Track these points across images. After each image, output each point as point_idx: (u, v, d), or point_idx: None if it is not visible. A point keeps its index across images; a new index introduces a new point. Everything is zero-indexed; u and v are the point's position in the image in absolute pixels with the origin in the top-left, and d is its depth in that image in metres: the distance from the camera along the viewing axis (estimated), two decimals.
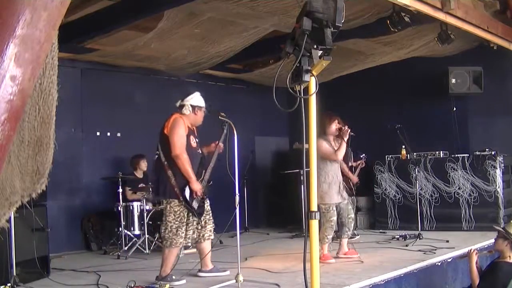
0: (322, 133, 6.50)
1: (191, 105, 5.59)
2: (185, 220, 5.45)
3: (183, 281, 5.43)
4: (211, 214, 5.76)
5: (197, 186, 5.42)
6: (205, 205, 5.68)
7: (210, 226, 5.72)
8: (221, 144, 5.75)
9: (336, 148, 6.54)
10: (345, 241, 6.71)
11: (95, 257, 7.38)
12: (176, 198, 5.40)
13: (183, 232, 5.43)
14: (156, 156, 5.57)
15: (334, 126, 6.61)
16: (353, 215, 6.81)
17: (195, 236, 5.64)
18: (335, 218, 6.49)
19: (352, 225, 6.82)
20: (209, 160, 5.79)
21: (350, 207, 6.75)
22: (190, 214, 5.47)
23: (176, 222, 5.41)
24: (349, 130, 6.56)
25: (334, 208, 6.49)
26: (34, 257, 5.56)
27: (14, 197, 2.07)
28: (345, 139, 6.50)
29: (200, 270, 5.75)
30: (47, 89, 2.10)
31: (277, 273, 5.81)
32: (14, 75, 1.78)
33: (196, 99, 5.67)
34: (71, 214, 8.07)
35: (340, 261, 6.44)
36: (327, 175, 6.49)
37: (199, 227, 5.64)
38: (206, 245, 5.71)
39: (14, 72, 1.78)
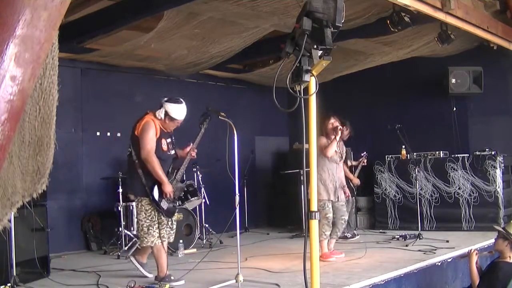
0: (323, 132, 6.71)
1: (165, 111, 5.43)
2: (156, 219, 5.40)
3: (182, 282, 5.42)
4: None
5: (169, 188, 5.38)
6: (176, 207, 5.65)
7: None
8: (193, 151, 5.73)
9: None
10: (333, 241, 6.84)
11: (95, 257, 7.37)
12: (146, 196, 5.38)
13: (154, 231, 5.38)
14: (128, 152, 5.50)
15: (330, 125, 6.77)
16: (346, 217, 6.90)
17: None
18: (331, 215, 6.60)
19: (343, 227, 6.96)
20: (181, 162, 5.75)
21: (344, 209, 6.88)
22: (160, 213, 5.44)
23: (147, 221, 5.39)
24: (341, 129, 6.74)
25: (330, 205, 6.60)
26: (34, 257, 5.56)
27: (15, 197, 2.07)
28: (337, 137, 6.62)
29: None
30: (47, 89, 2.09)
31: (277, 273, 5.82)
32: (14, 75, 1.78)
33: (173, 108, 5.42)
34: (71, 214, 8.06)
35: (340, 261, 6.45)
36: (323, 171, 6.61)
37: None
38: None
39: (14, 72, 1.78)
